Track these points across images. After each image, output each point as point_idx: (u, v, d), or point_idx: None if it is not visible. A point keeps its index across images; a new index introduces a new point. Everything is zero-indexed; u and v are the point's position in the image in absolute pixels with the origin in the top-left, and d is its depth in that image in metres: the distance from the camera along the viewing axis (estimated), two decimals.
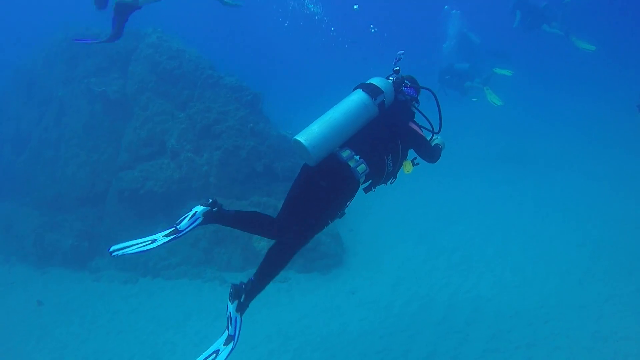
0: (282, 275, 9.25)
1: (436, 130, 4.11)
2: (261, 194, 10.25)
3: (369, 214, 11.00)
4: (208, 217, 3.31)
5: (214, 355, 3.44)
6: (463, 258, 8.92)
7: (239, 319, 3.38)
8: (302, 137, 3.52)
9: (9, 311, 9.27)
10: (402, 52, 4.23)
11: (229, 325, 3.39)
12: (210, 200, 3.35)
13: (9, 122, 13.58)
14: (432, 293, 7.94)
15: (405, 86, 4.09)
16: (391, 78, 4.03)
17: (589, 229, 9.28)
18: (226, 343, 3.42)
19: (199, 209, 3.28)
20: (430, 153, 4.11)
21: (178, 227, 3.25)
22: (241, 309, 3.39)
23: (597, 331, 6.45)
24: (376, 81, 3.85)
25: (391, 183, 4.06)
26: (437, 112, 4.16)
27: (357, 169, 3.56)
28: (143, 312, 8.79)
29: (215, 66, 12.13)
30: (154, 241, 3.26)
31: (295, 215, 3.69)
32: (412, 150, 4.11)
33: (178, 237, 3.25)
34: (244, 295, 3.40)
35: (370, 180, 3.83)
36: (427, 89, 4.20)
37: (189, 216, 3.24)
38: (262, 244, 9.54)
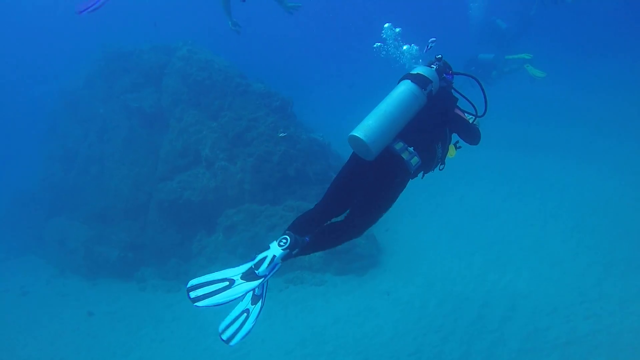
0: (319, 279, 9.45)
1: (480, 113, 4.14)
2: (295, 198, 10.35)
3: (405, 212, 10.87)
4: (288, 259, 3.24)
5: (245, 315, 3.36)
6: (500, 253, 8.67)
7: (278, 266, 3.21)
8: (361, 133, 3.43)
9: (63, 322, 9.81)
10: (434, 39, 4.28)
11: (263, 266, 3.13)
12: (289, 240, 3.20)
13: (57, 140, 14.31)
14: (467, 291, 7.79)
15: (447, 73, 4.07)
16: (433, 66, 4.02)
17: (634, 217, 8.81)
18: (248, 278, 3.17)
19: (278, 253, 3.15)
20: (474, 136, 4.11)
21: (257, 271, 3.13)
22: (285, 259, 3.23)
23: None
24: (422, 70, 3.83)
25: (440, 170, 4.02)
26: (473, 98, 4.20)
27: (411, 161, 3.54)
28: (185, 319, 9.07)
29: (245, 73, 12.37)
30: (231, 283, 3.15)
31: (343, 204, 3.69)
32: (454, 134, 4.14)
33: (262, 283, 3.15)
34: (298, 249, 3.29)
35: (422, 171, 3.83)
36: (469, 75, 4.21)
37: (268, 261, 3.13)
38: None
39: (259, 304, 3.41)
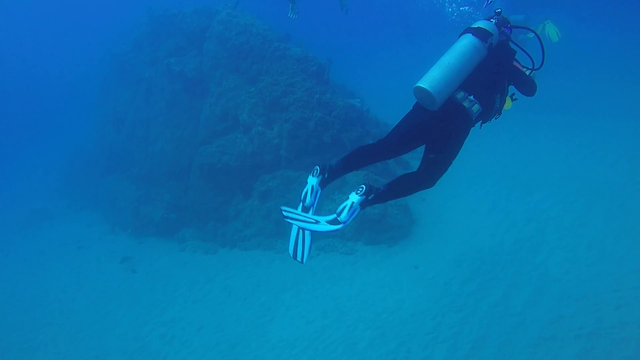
0: (350, 247, 9.47)
1: (537, 66, 4.29)
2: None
3: (444, 182, 10.51)
4: (366, 205, 3.60)
5: (312, 222, 3.66)
6: (536, 231, 8.27)
7: (358, 211, 3.57)
8: (426, 84, 3.64)
9: (109, 279, 10.48)
10: None
11: (345, 212, 3.54)
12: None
13: (109, 103, 14.85)
14: (495, 270, 7.52)
15: (505, 26, 4.19)
16: (493, 20, 4.13)
17: None
18: (332, 223, 3.58)
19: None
20: (531, 88, 4.28)
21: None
22: (363, 205, 3.60)
23: None
24: (483, 24, 3.99)
25: (496, 119, 4.23)
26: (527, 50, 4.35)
27: (472, 108, 3.76)
28: (217, 282, 9.42)
29: (289, 37, 12.14)
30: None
31: (403, 148, 4.02)
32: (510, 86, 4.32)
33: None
34: (373, 195, 3.62)
35: (480, 120, 4.03)
36: (528, 28, 4.44)
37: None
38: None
39: (336, 227, 3.62)
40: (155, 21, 13.53)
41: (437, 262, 8.24)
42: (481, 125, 4.14)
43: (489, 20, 4.12)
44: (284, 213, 3.67)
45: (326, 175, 3.81)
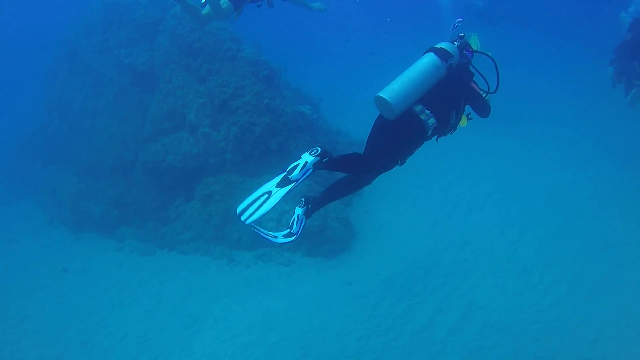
0: (287, 258, 9.32)
1: (492, 90, 4.54)
2: (274, 173, 10.04)
3: (388, 196, 10.53)
4: (317, 167, 3.66)
5: (273, 237, 3.85)
6: (471, 254, 8.33)
7: (304, 220, 3.83)
8: (387, 95, 3.88)
9: (38, 277, 10.03)
10: (461, 19, 4.77)
11: (294, 225, 3.82)
12: (319, 150, 3.66)
13: (56, 89, 14.25)
14: (425, 293, 7.53)
15: (467, 50, 4.49)
16: (456, 42, 4.40)
17: (614, 227, 8.27)
18: (286, 236, 3.84)
19: (309, 159, 3.59)
20: (485, 109, 4.55)
21: (290, 176, 3.54)
22: (307, 214, 3.83)
23: (587, 359, 5.81)
24: (445, 45, 4.24)
25: (451, 134, 4.46)
26: (488, 75, 4.53)
27: (428, 122, 3.98)
28: (149, 287, 9.15)
29: (243, 38, 11.86)
30: (269, 194, 3.57)
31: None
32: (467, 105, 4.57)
33: (294, 188, 3.54)
34: (311, 204, 3.84)
35: (436, 134, 4.24)
36: (486, 55, 4.59)
37: (300, 166, 3.56)
38: (271, 225, 9.48)
39: (292, 238, 3.83)
40: (108, 9, 13.01)
41: (372, 279, 8.20)
42: (437, 139, 4.35)
43: (452, 42, 4.39)
44: (253, 228, 3.81)
45: (324, 160, 3.79)
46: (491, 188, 10.34)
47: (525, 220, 8.94)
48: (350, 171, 4.08)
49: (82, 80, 13.46)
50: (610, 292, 6.84)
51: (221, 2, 7.27)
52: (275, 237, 3.89)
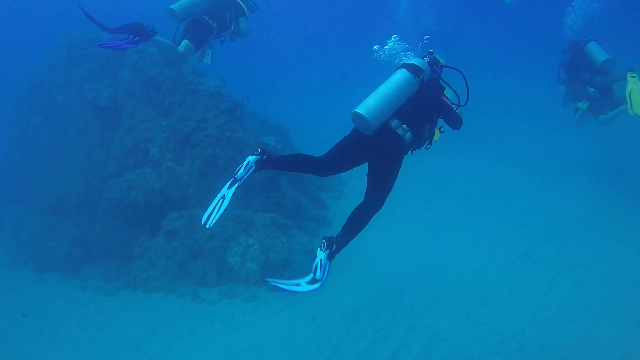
0: (253, 293, 9.10)
1: (462, 103, 4.75)
2: (238, 207, 9.93)
3: None
4: (260, 165, 4.02)
5: (295, 285, 3.92)
6: (437, 282, 8.18)
7: (328, 266, 3.87)
8: (363, 110, 4.03)
9: None
10: (428, 36, 5.08)
11: (318, 270, 3.83)
12: (260, 149, 4.06)
13: (20, 125, 14.02)
14: (389, 325, 7.34)
15: (437, 65, 4.69)
16: (426, 58, 4.62)
17: (580, 248, 8.20)
18: (310, 283, 3.86)
19: (251, 158, 4.00)
20: (457, 122, 4.69)
21: (236, 176, 3.97)
22: (331, 257, 3.89)
23: None
24: (416, 62, 4.46)
25: (427, 149, 4.65)
26: (459, 88, 4.77)
27: (405, 136, 4.15)
28: (111, 329, 8.84)
29: (207, 71, 11.81)
30: (224, 197, 3.97)
31: (337, 166, 4.40)
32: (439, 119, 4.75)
33: (240, 184, 3.98)
34: (335, 245, 3.89)
35: (411, 148, 4.40)
36: (455, 69, 4.76)
37: (244, 166, 3.98)
38: (236, 259, 9.30)
39: (316, 285, 3.88)
40: (71, 44, 12.89)
41: (336, 312, 8.00)
42: (411, 153, 4.46)
43: (422, 58, 4.62)
44: (270, 282, 4.00)
45: (264, 158, 4.08)
46: (461, 210, 10.28)
47: (492, 243, 8.86)
48: (299, 171, 4.44)
49: (47, 115, 13.25)
50: (573, 317, 6.71)
51: (180, 46, 7.14)
52: (298, 284, 3.88)
